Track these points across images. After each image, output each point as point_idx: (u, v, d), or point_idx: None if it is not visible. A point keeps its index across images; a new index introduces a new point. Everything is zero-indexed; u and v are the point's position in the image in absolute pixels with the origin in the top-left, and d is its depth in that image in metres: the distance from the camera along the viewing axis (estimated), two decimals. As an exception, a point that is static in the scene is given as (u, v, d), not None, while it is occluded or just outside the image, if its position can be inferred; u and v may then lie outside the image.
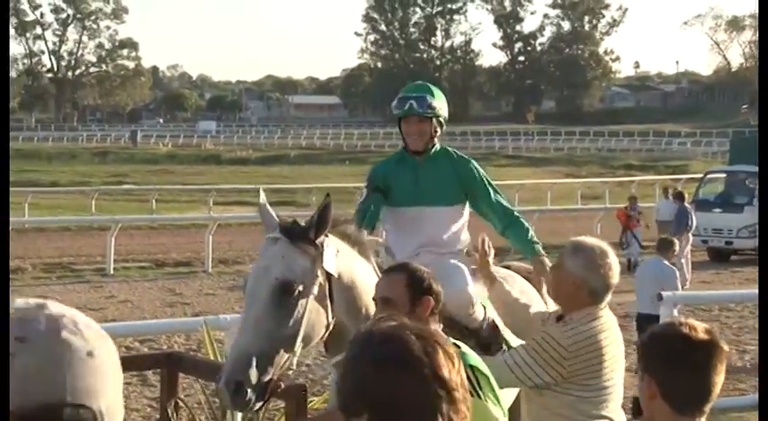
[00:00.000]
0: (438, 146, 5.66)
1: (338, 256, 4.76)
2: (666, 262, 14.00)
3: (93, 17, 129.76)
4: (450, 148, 5.81)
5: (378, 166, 6.00)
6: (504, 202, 5.78)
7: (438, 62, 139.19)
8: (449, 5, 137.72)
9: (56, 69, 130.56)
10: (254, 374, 4.28)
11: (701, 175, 32.75)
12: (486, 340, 5.19)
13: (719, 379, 2.98)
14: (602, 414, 4.66)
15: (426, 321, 3.84)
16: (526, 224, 5.78)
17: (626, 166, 67.03)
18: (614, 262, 4.75)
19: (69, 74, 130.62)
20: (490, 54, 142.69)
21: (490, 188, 5.68)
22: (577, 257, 4.73)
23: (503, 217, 5.68)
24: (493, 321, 5.35)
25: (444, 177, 5.53)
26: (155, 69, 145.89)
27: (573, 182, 49.78)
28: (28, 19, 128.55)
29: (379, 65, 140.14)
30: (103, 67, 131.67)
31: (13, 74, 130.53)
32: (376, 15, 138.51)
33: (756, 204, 25.65)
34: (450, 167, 5.59)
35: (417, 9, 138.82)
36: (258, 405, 4.45)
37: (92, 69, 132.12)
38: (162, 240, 27.70)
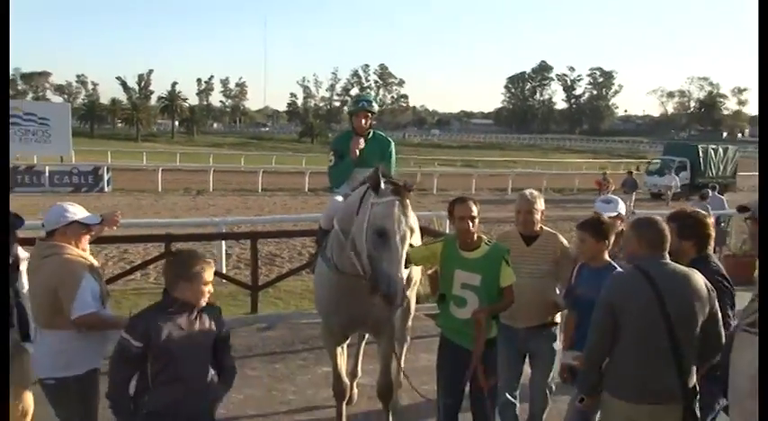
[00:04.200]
0: (372, 131, 4.24)
1: None
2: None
3: (389, 85, 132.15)
4: (378, 132, 4.30)
5: (336, 141, 4.36)
6: (391, 168, 4.02)
7: (537, 107, 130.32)
8: (544, 73, 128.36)
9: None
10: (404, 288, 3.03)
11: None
12: None
13: None
14: None
15: None
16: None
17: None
18: None
19: (377, 108, 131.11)
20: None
21: (391, 160, 4.18)
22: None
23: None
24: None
25: (375, 149, 4.15)
26: (414, 108, 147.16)
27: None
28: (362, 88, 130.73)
29: (511, 107, 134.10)
30: (391, 106, 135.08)
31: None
32: (510, 85, 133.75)
33: (673, 174, 24.00)
34: (378, 143, 4.21)
35: (529, 82, 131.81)
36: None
37: (385, 107, 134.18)
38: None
